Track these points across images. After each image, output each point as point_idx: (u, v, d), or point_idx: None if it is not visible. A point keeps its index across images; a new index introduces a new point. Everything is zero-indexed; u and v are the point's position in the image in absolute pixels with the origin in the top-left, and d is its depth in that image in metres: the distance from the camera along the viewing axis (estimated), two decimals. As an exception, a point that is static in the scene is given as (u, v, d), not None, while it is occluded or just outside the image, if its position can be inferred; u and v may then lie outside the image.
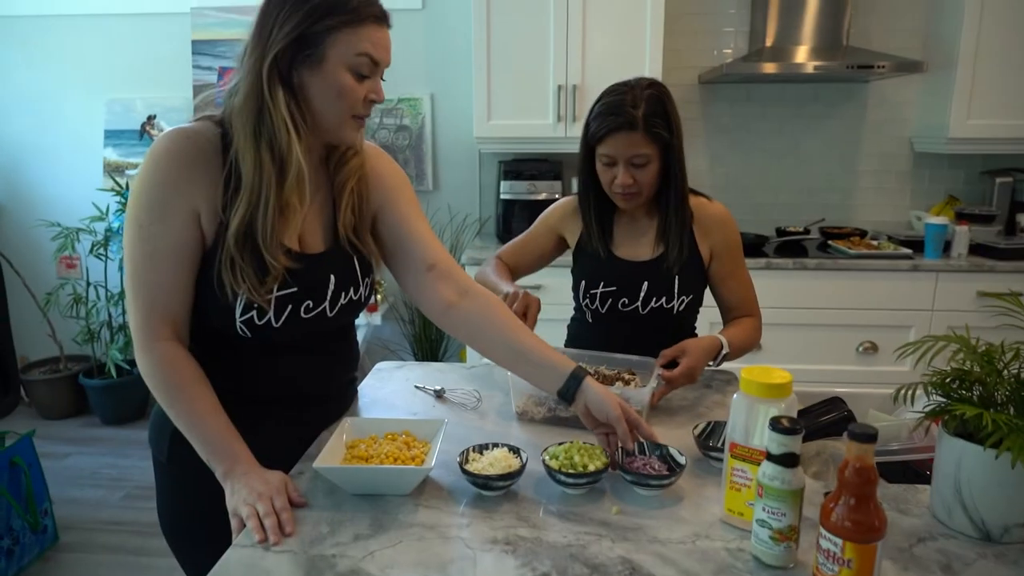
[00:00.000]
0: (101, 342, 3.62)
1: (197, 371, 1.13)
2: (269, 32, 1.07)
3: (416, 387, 1.54)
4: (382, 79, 1.17)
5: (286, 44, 1.06)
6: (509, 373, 1.36)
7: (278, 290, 1.13)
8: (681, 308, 1.59)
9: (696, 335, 1.73)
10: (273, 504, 1.01)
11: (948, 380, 1.00)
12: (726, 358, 1.50)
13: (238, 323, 1.13)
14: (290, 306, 1.16)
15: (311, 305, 1.18)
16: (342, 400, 1.39)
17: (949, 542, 0.95)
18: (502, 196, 3.23)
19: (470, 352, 3.08)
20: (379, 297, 3.44)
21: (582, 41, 3.01)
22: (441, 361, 3.58)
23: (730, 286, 1.63)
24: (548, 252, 1.76)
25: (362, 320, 3.37)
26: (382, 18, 1.13)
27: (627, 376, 1.41)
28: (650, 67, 2.99)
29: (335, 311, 1.22)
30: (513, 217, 3.23)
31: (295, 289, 1.15)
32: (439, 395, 1.49)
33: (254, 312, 1.13)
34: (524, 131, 3.11)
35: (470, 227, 3.62)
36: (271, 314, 1.14)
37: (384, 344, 3.73)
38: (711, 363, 1.48)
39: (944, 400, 1.00)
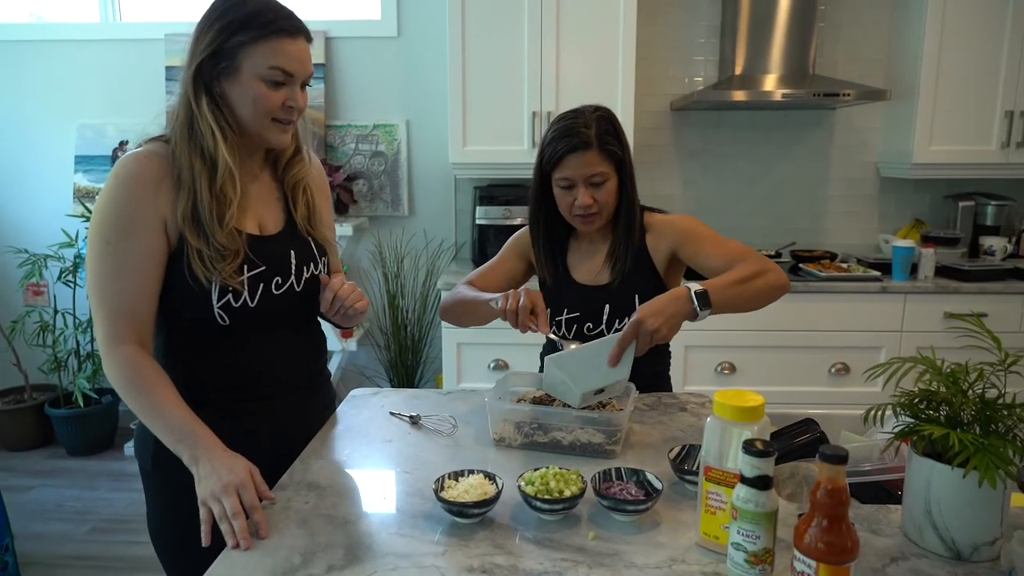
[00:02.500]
0: (68, 371, 3.54)
1: (159, 369, 1.20)
2: (193, 48, 1.21)
3: (391, 413, 1.52)
4: (307, 86, 1.29)
5: (204, 58, 1.19)
6: (486, 398, 1.36)
7: (248, 271, 1.25)
8: None
9: (670, 354, 1.74)
10: (241, 500, 1.05)
11: (916, 401, 1.02)
12: (708, 303, 1.36)
13: (216, 310, 1.23)
14: (262, 284, 1.27)
15: (280, 281, 1.30)
16: (316, 391, 1.46)
17: (921, 562, 0.97)
18: (477, 221, 3.24)
19: (446, 377, 3.07)
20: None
21: (556, 68, 3.06)
22: (417, 387, 3.56)
23: (708, 255, 1.54)
24: (518, 276, 1.76)
25: (336, 346, 3.34)
26: (294, 32, 1.23)
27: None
28: (623, 94, 3.04)
29: (302, 285, 1.34)
30: (489, 242, 3.24)
31: (263, 268, 1.27)
32: (414, 421, 1.48)
33: (230, 295, 1.23)
34: (499, 157, 3.13)
35: (446, 252, 3.62)
36: (246, 294, 1.25)
37: (359, 370, 3.70)
38: (697, 312, 1.35)
39: (912, 420, 1.01)
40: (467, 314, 1.63)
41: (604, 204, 1.55)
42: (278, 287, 1.30)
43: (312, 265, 1.36)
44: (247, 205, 1.28)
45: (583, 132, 1.50)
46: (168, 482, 1.24)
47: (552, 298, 1.64)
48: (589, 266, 1.65)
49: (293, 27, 1.23)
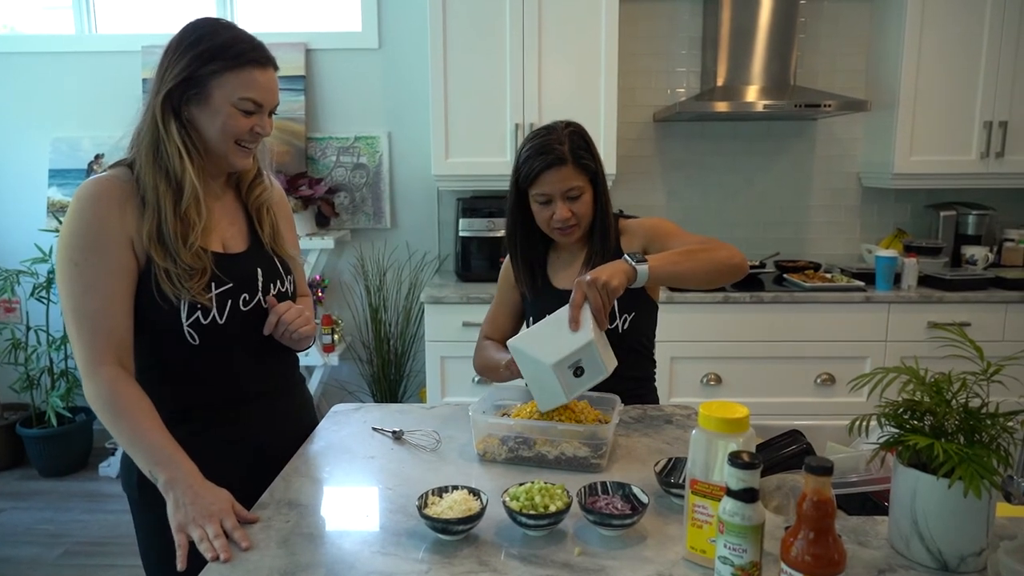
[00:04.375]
0: (41, 389, 3.49)
1: (141, 393, 1.21)
2: (163, 74, 1.24)
3: (374, 429, 1.51)
4: (272, 114, 1.34)
5: (175, 84, 1.23)
6: (471, 412, 1.35)
7: (216, 288, 1.28)
8: (626, 327, 1.64)
9: (654, 362, 1.76)
10: (223, 525, 1.07)
11: (900, 411, 1.03)
12: (644, 260, 1.40)
13: (185, 328, 1.25)
14: (229, 301, 1.30)
15: (247, 298, 1.33)
16: (291, 397, 1.49)
17: (908, 573, 0.97)
18: (461, 233, 3.25)
19: (430, 392, 3.06)
20: (336, 337, 3.40)
21: (538, 80, 3.08)
22: (400, 402, 3.54)
23: (672, 247, 1.56)
24: (519, 306, 1.79)
25: (318, 360, 3.32)
26: (264, 62, 1.28)
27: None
28: (605, 105, 3.06)
29: (267, 302, 1.36)
30: (472, 254, 3.25)
31: (231, 284, 1.30)
32: (397, 437, 1.47)
33: (199, 312, 1.26)
34: (482, 169, 3.14)
35: (429, 265, 3.62)
36: (214, 311, 1.27)
37: (341, 385, 3.68)
38: (635, 268, 1.38)
39: (897, 431, 1.02)
40: (492, 376, 1.65)
41: (582, 216, 1.60)
42: (246, 303, 1.32)
43: (279, 282, 1.39)
44: (211, 225, 1.31)
45: (557, 149, 1.55)
46: (154, 507, 1.23)
47: (534, 307, 1.70)
48: (569, 273, 1.69)
49: (264, 58, 1.28)
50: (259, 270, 1.36)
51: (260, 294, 1.35)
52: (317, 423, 1.56)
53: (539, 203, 1.60)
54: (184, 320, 1.25)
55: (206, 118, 1.25)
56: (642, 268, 1.40)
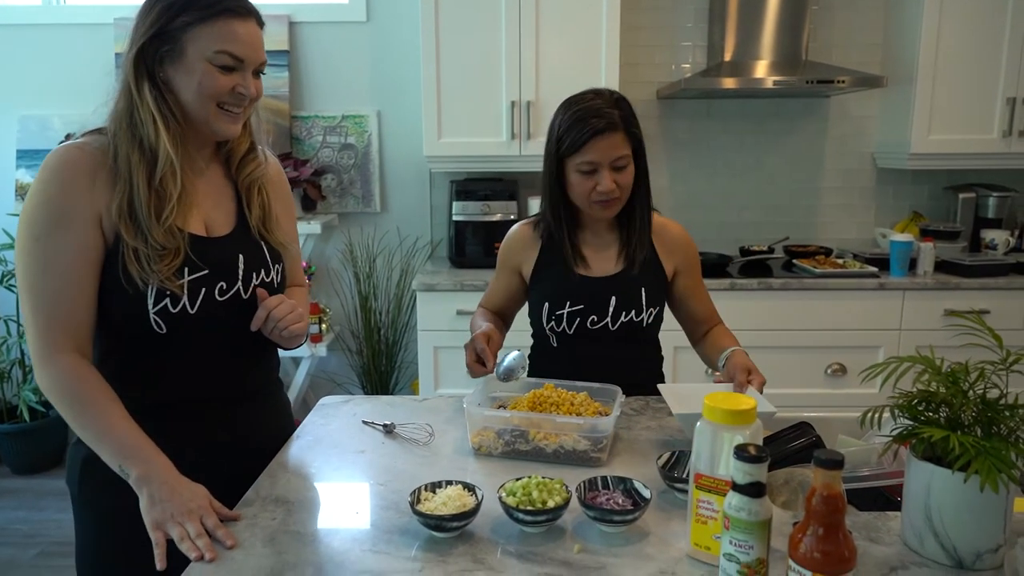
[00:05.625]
0: (12, 382, 3.49)
1: (102, 381, 1.18)
2: (135, 31, 1.18)
3: (364, 422, 1.52)
4: (261, 74, 1.27)
5: (146, 41, 1.17)
6: (465, 404, 1.36)
7: (189, 274, 1.21)
8: (650, 320, 1.66)
9: (662, 358, 1.77)
10: (204, 524, 1.06)
11: (914, 402, 1.04)
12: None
13: (152, 316, 1.19)
14: (203, 289, 1.23)
15: (225, 287, 1.26)
16: (266, 402, 1.42)
17: (922, 571, 0.98)
18: (454, 217, 3.24)
19: (423, 383, 3.07)
20: (324, 327, 3.40)
21: (535, 55, 3.06)
22: (392, 394, 3.55)
23: (698, 298, 1.74)
24: (516, 290, 1.78)
25: (306, 352, 3.32)
26: (244, 13, 1.21)
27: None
28: (606, 82, 3.05)
29: (249, 293, 1.29)
30: (466, 240, 3.24)
31: (206, 271, 1.23)
32: (389, 430, 1.47)
33: (167, 300, 1.19)
34: (477, 149, 3.13)
35: (421, 251, 3.61)
36: (185, 299, 1.21)
37: (330, 377, 3.68)
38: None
39: (911, 423, 1.03)
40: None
41: (625, 188, 1.58)
42: (222, 293, 1.26)
43: (263, 272, 1.32)
44: (192, 202, 1.25)
45: (608, 113, 1.53)
46: (100, 504, 1.24)
47: (556, 291, 1.66)
48: (594, 257, 1.68)
49: (243, 8, 1.21)
50: (241, 256, 1.29)
51: (240, 283, 1.28)
52: (291, 434, 1.47)
53: (582, 172, 1.55)
54: (150, 307, 1.18)
55: (182, 78, 1.18)
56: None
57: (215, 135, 1.27)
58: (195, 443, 1.26)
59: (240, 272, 1.28)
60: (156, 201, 1.18)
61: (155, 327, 1.20)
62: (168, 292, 1.19)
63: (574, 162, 1.56)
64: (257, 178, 1.35)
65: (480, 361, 1.51)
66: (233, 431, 1.33)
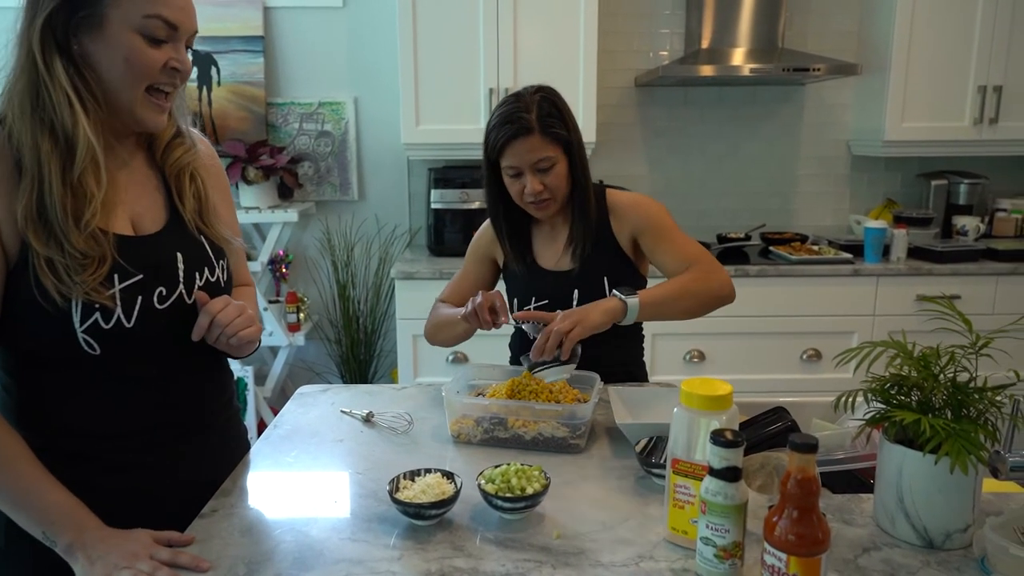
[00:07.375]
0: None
1: (8, 431, 1.02)
2: None
3: (343, 412, 1.51)
4: (191, 48, 1.09)
5: (57, 4, 0.97)
6: (444, 392, 1.36)
7: (120, 282, 1.04)
8: None
9: (643, 339, 1.78)
10: (157, 558, 0.95)
11: (887, 386, 1.05)
12: (634, 308, 1.48)
13: (80, 335, 1.01)
14: (140, 298, 1.06)
15: (164, 292, 1.09)
16: (221, 431, 1.27)
17: (894, 551, 1.00)
18: (433, 205, 3.22)
19: (402, 372, 3.06)
20: (302, 316, 3.38)
21: (513, 42, 3.05)
22: (371, 383, 3.54)
23: (664, 253, 1.64)
24: (487, 279, 1.78)
25: (283, 340, 3.30)
26: None
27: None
28: (584, 69, 3.05)
29: (194, 298, 1.12)
30: (445, 228, 3.23)
31: (140, 276, 1.07)
32: (367, 419, 1.47)
33: (97, 315, 1.02)
34: (455, 137, 3.11)
35: (399, 239, 3.59)
36: (119, 311, 1.04)
37: (309, 366, 3.66)
38: (622, 312, 1.47)
39: (884, 407, 1.04)
40: (446, 334, 1.67)
41: (555, 188, 1.57)
42: (162, 300, 1.08)
43: (207, 270, 1.15)
44: (115, 199, 1.06)
45: (523, 117, 1.52)
46: (28, 559, 1.07)
47: (520, 287, 1.70)
48: (552, 252, 1.69)
49: None
50: (179, 255, 1.12)
51: (182, 286, 1.11)
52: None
53: (510, 176, 1.57)
54: (77, 326, 1.00)
55: (103, 52, 1.00)
56: (632, 303, 1.47)
57: (138, 125, 1.08)
58: (135, 492, 1.10)
59: (180, 273, 1.11)
60: (74, 202, 0.99)
61: (86, 348, 1.02)
62: (97, 305, 1.01)
63: (502, 165, 1.57)
64: (187, 163, 1.16)
65: (493, 311, 1.48)
66: (179, 473, 1.16)
